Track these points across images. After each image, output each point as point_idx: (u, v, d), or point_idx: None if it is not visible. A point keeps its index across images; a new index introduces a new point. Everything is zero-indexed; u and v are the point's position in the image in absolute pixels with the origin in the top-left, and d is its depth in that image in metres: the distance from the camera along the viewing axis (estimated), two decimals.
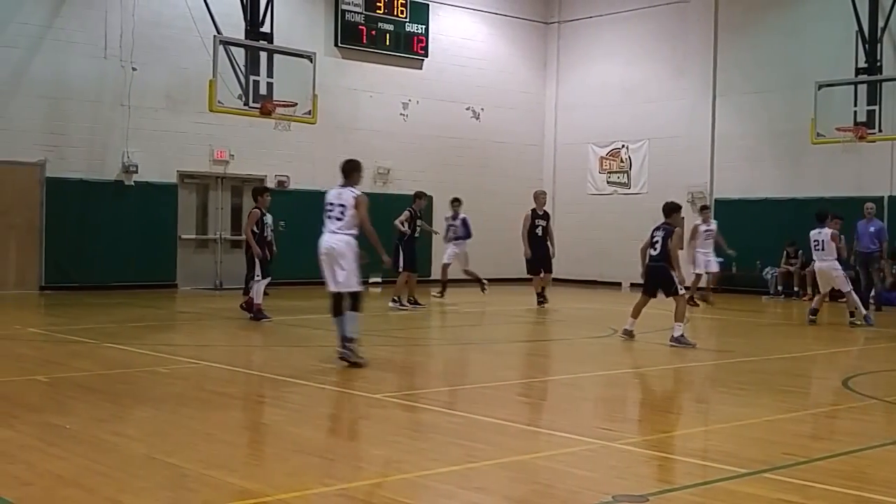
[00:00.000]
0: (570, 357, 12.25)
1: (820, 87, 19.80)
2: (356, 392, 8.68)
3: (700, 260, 18.48)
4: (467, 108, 25.15)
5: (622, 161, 25.27)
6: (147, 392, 8.67)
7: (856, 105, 19.77)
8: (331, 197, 9.90)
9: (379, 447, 6.55)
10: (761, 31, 22.72)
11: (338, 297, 9.70)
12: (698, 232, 18.57)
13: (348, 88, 22.85)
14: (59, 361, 10.44)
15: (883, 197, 20.46)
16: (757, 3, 22.88)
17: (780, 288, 22.00)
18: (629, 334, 12.32)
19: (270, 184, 21.94)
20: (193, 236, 21.42)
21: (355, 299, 9.60)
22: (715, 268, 18.71)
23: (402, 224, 17.03)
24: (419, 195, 17.69)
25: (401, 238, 16.92)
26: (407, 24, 23.94)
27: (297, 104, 18.16)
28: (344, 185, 9.89)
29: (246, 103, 17.83)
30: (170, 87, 20.45)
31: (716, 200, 23.25)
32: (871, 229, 18.53)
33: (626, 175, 25.16)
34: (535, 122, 26.73)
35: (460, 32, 25.24)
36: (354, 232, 9.68)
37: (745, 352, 12.23)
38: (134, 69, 20.04)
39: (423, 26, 24.25)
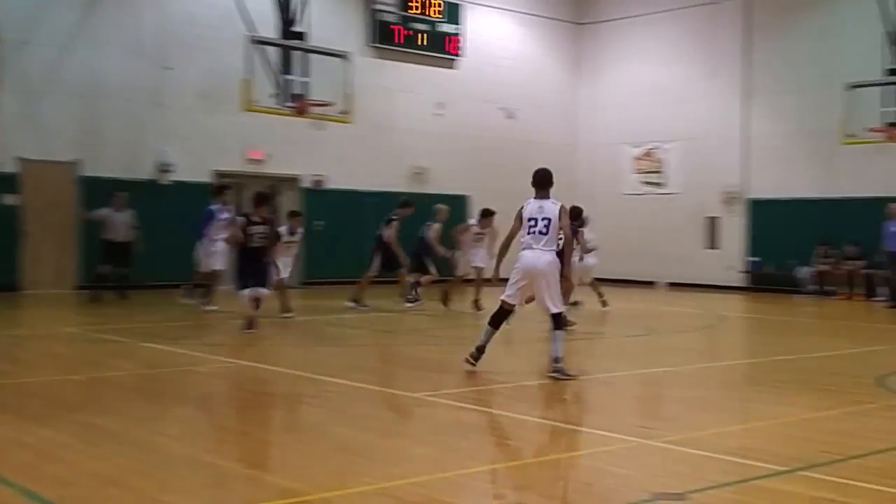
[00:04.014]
0: (607, 355, 12.26)
1: (849, 87, 19.68)
2: (395, 391, 8.76)
3: None
4: (501, 108, 25.17)
5: (656, 161, 25.19)
6: (186, 391, 8.78)
7: (886, 106, 19.65)
8: (531, 210, 9.17)
9: (419, 446, 6.60)
10: (792, 33, 22.58)
11: (505, 312, 9.38)
12: None
13: (383, 88, 22.94)
14: (97, 361, 10.56)
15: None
16: (788, 4, 22.74)
17: (813, 287, 21.84)
18: None
19: (306, 183, 22.09)
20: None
21: (557, 319, 9.11)
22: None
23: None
24: (406, 203, 17.23)
25: (378, 240, 16.72)
26: (441, 23, 24.01)
27: (332, 104, 18.29)
28: (540, 197, 9.25)
29: (280, 103, 17.98)
30: (203, 87, 20.62)
31: (749, 200, 23.14)
32: (894, 229, 18.44)
33: (659, 175, 25.07)
34: (568, 122, 26.71)
35: (494, 33, 25.26)
36: (555, 250, 9.15)
37: (780, 350, 12.18)
38: (168, 68, 20.23)
39: (458, 26, 24.31)
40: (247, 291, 12.49)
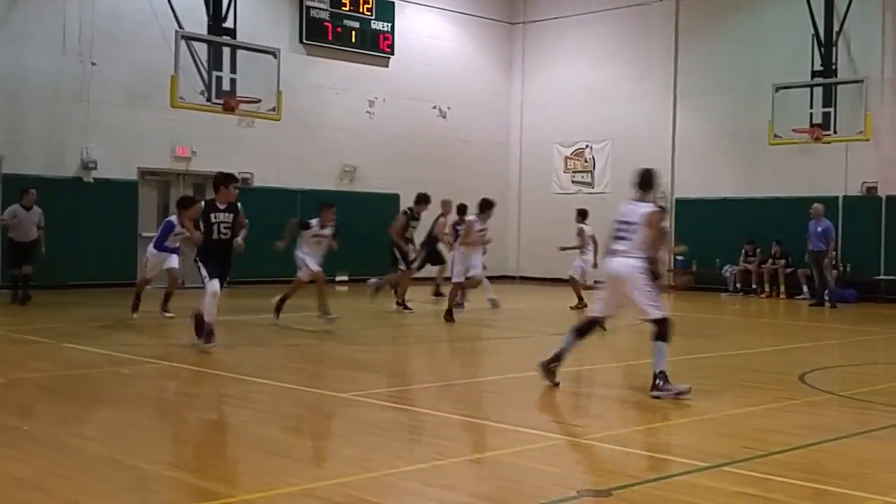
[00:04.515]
0: (533, 353, 12.29)
1: (777, 89, 20.13)
2: (322, 391, 8.68)
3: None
4: (434, 107, 25.18)
5: (586, 161, 25.45)
6: (108, 393, 8.60)
7: (812, 107, 20.18)
8: (620, 213, 8.52)
9: (346, 446, 6.55)
10: (721, 35, 22.99)
11: (592, 323, 8.81)
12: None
13: (314, 85, 22.78)
14: (16, 362, 10.28)
15: (838, 197, 20.79)
16: (716, 7, 23.15)
17: (738, 285, 22.27)
18: None
19: None
20: (154, 234, 21.17)
21: (660, 328, 8.28)
22: None
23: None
24: (422, 199, 16.87)
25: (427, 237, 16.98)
26: (373, 21, 23.92)
27: (261, 101, 18.12)
28: (637, 199, 8.54)
29: (208, 99, 17.76)
30: (130, 83, 20.24)
31: (676, 200, 23.50)
32: (819, 229, 18.92)
33: (589, 175, 25.33)
34: (500, 121, 26.83)
35: (426, 31, 25.26)
36: (642, 255, 8.33)
37: (705, 348, 12.38)
38: (93, 64, 19.80)
39: (390, 24, 24.24)
40: (212, 285, 10.74)
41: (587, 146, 25.31)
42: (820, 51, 20.22)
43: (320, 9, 23.03)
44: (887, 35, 20.31)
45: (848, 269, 20.56)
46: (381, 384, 9.00)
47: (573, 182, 25.62)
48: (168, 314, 14.18)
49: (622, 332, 12.80)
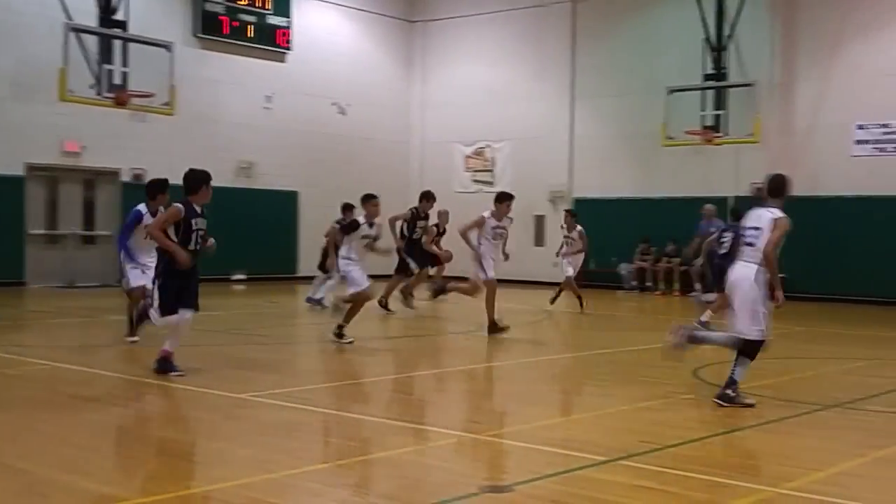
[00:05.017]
0: (436, 352, 12.34)
1: (670, 92, 20.63)
2: (219, 392, 8.51)
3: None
4: (333, 104, 25.00)
5: (486, 160, 25.63)
6: None
7: (704, 110, 20.75)
8: (749, 218, 8.24)
9: (245, 447, 6.44)
10: (616, 38, 23.44)
11: (758, 344, 8.11)
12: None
13: (209, 80, 22.37)
14: None
15: (727, 198, 21.39)
16: (612, 10, 23.59)
17: (634, 283, 22.76)
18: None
19: (126, 177, 21.23)
20: (43, 231, 20.55)
21: (750, 346, 7.99)
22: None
23: (399, 224, 15.72)
24: (428, 196, 15.91)
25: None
26: (270, 16, 23.62)
27: (154, 95, 17.72)
28: (765, 206, 8.18)
29: (99, 93, 17.30)
30: (16, 75, 19.53)
31: (575, 200, 23.86)
32: (712, 229, 19.41)
33: (490, 174, 25.52)
34: (400, 119, 26.81)
35: (325, 27, 25.06)
36: (760, 260, 7.96)
37: (601, 344, 12.60)
38: None
39: (287, 19, 23.96)
40: (183, 316, 8.99)
41: (487, 145, 25.50)
42: (711, 55, 20.82)
43: (215, 2, 22.63)
44: (776, 40, 21.01)
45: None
46: (281, 384, 8.87)
47: (474, 181, 25.78)
48: (133, 338, 11.38)
49: (520, 329, 12.91)
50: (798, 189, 20.62)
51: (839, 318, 15.98)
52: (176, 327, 9.03)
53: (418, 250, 16.03)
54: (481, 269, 12.94)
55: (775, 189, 8.20)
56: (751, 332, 7.89)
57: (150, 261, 10.28)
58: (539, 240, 24.30)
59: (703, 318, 13.17)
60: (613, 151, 23.43)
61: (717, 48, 20.90)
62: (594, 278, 23.10)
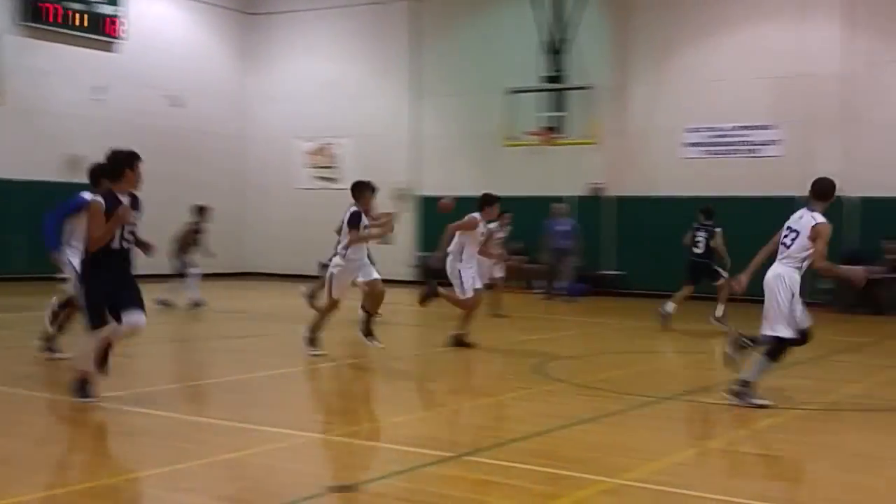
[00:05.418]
0: (276, 352, 12.10)
1: (508, 92, 21.02)
2: (53, 396, 8.10)
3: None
4: (166, 96, 24.20)
5: (328, 156, 25.40)
6: None
7: (544, 111, 21.22)
8: (791, 218, 8.04)
9: (81, 453, 6.15)
10: (457, 37, 23.66)
11: (792, 343, 7.98)
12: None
13: (35, 69, 21.25)
14: None
15: (562, 196, 21.94)
16: (453, 10, 23.79)
17: None
18: None
19: None
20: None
21: (775, 346, 7.85)
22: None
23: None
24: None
25: None
26: (99, 4, 22.63)
27: None
28: (810, 208, 7.97)
29: None
30: None
31: (419, 197, 23.94)
32: (562, 228, 19.90)
33: (332, 170, 25.31)
34: (238, 113, 26.19)
35: (159, 17, 24.24)
36: (800, 265, 7.85)
37: (442, 341, 12.63)
38: None
39: (118, 8, 23.02)
40: (117, 327, 7.49)
41: (329, 142, 25.28)
42: (550, 57, 21.34)
43: None
44: (612, 45, 21.68)
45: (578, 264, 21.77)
46: (116, 387, 8.49)
47: (316, 178, 25.51)
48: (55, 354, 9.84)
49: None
50: (634, 189, 21.57)
51: (675, 314, 16.58)
52: (121, 330, 7.50)
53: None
54: (460, 283, 11.61)
55: (822, 192, 8.02)
56: (782, 330, 7.80)
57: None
58: (385, 237, 24.23)
59: (668, 308, 14.22)
60: (457, 150, 23.64)
61: (555, 51, 21.42)
62: (439, 275, 23.22)
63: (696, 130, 20.80)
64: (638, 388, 9.07)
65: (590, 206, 21.79)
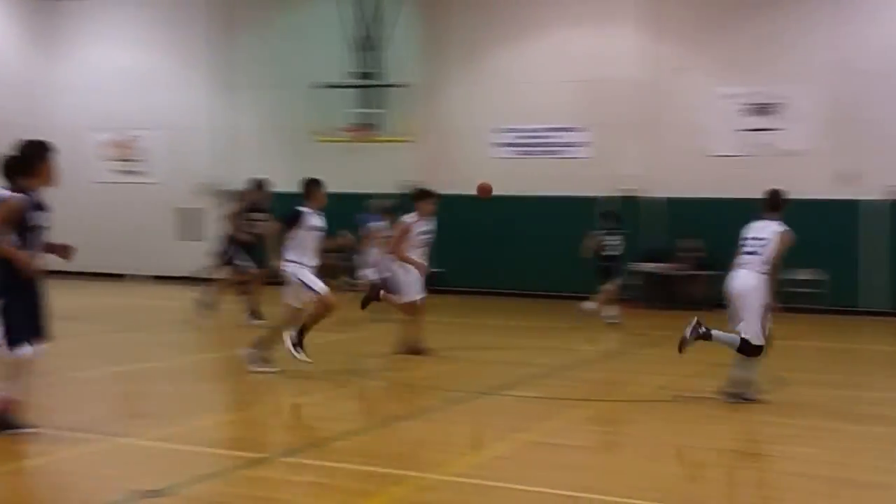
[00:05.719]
0: (82, 353, 11.50)
1: (313, 87, 20.87)
2: None
3: None
4: None
5: (131, 149, 24.40)
6: None
7: (358, 107, 21.19)
8: (751, 230, 8.42)
9: None
10: (268, 31, 23.22)
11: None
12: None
13: None
14: None
15: (371, 194, 21.89)
16: (263, 2, 23.35)
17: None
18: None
19: None
20: None
21: (749, 347, 8.13)
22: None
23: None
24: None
25: None
26: None
27: None
28: (767, 218, 8.39)
29: None
30: None
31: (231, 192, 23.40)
32: (370, 224, 19.88)
33: (136, 164, 24.33)
34: (25, 102, 24.43)
35: None
36: (765, 269, 8.18)
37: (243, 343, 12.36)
38: None
39: None
40: (28, 350, 6.47)
41: (132, 134, 24.27)
42: (359, 54, 21.33)
43: None
44: (427, 44, 21.86)
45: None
46: None
47: (119, 171, 24.44)
48: None
49: (178, 327, 12.41)
50: (449, 188, 21.77)
51: (492, 310, 16.93)
52: (25, 364, 6.48)
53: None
54: (401, 288, 11.23)
55: (775, 203, 8.50)
56: (757, 337, 8.16)
57: None
58: (196, 233, 23.53)
59: (590, 305, 14.31)
60: (269, 144, 23.21)
61: (367, 48, 21.43)
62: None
63: (507, 131, 21.29)
64: (455, 384, 9.13)
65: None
